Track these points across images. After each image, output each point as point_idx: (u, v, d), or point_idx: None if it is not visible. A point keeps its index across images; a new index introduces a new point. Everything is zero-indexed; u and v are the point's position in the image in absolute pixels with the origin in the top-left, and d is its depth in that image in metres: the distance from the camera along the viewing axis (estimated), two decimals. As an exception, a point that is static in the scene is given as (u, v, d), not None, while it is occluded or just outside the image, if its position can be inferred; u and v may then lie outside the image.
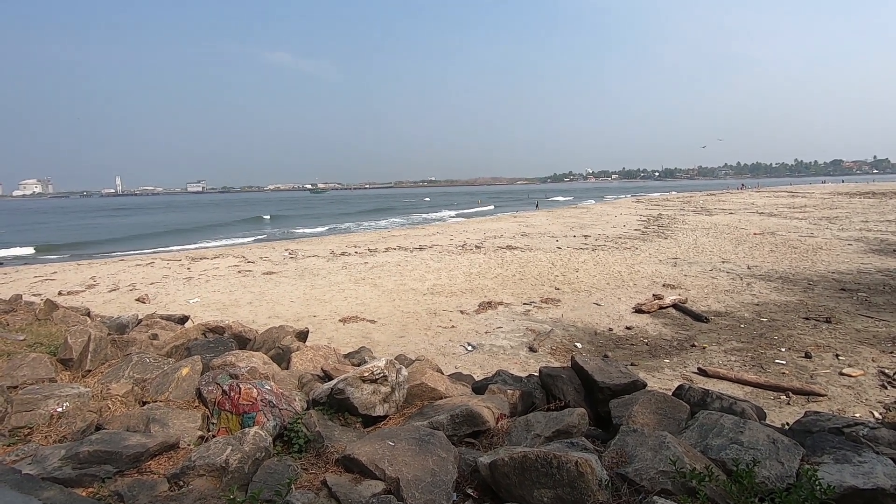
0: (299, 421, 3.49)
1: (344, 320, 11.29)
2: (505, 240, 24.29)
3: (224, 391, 3.70)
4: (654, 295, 12.64)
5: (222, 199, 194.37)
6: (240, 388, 3.66)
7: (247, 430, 3.21)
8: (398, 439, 3.05)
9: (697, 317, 11.04)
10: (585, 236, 25.21)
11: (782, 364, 8.42)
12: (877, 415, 6.50)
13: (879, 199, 48.49)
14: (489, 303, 12.52)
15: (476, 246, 22.14)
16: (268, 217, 59.09)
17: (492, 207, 62.76)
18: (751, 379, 7.80)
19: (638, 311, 11.61)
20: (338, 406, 3.71)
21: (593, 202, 64.00)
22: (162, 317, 7.56)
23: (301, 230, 39.63)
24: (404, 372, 4.04)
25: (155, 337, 5.92)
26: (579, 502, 2.52)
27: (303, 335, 6.36)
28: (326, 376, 4.52)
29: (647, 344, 9.63)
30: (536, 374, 5.04)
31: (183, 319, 7.74)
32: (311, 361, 5.02)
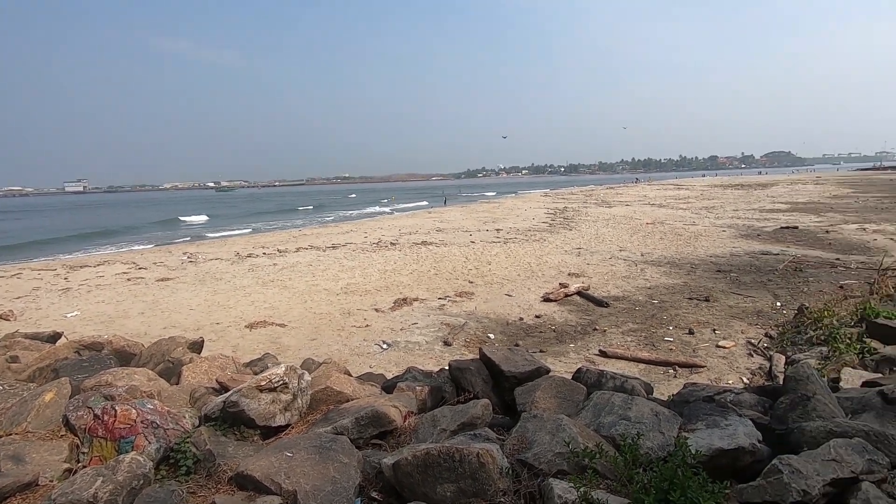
0: (187, 440, 3.19)
1: (251, 326, 10.64)
2: (420, 236, 24.36)
3: (96, 415, 3.28)
4: (560, 284, 13.34)
5: (109, 199, 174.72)
6: (115, 411, 3.27)
7: (122, 456, 2.86)
8: (297, 449, 2.90)
9: (599, 302, 11.83)
10: (497, 230, 26.01)
11: (670, 341, 9.27)
12: (745, 380, 7.38)
13: (746, 190, 55.28)
14: (404, 299, 12.47)
15: (391, 243, 21.97)
16: (170, 220, 52.52)
17: (426, 203, 62.49)
18: (644, 357, 8.51)
19: (546, 299, 12.19)
20: (232, 420, 3.44)
21: (508, 196, 66.39)
22: (27, 335, 6.59)
23: (207, 233, 36.38)
24: (307, 377, 3.85)
25: (14, 359, 5.13)
26: (481, 493, 2.55)
27: (197, 346, 5.87)
28: (223, 388, 4.19)
29: (554, 331, 10.14)
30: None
31: (54, 337, 6.81)
32: (206, 374, 4.63)
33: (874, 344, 6.92)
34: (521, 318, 10.96)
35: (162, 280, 15.47)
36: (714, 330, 9.76)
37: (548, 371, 4.68)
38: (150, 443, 3.17)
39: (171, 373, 4.82)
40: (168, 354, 5.15)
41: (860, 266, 14.67)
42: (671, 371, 7.96)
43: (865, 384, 4.89)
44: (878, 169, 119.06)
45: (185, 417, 3.57)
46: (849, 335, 7.51)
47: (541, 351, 9.03)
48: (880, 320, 7.46)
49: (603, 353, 8.77)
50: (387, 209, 57.48)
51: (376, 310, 11.69)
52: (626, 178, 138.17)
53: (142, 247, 28.11)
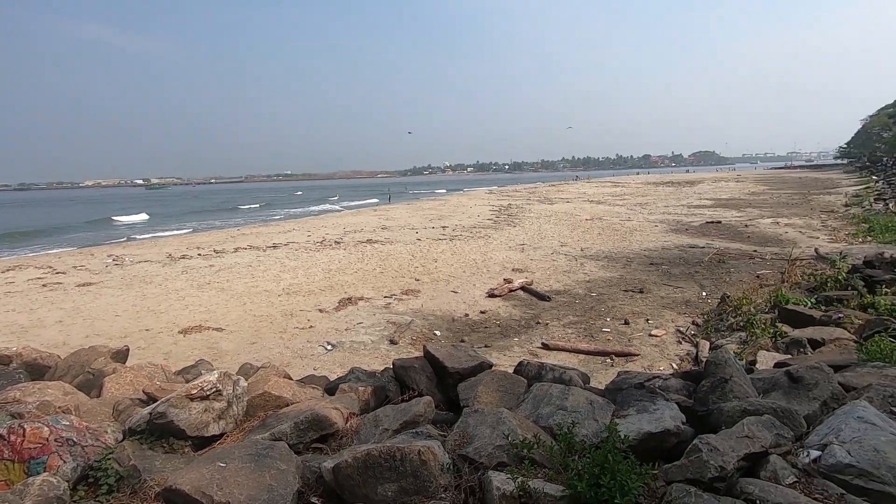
0: (109, 456, 2.98)
1: (184, 332, 10.08)
2: (365, 234, 24.04)
3: (1, 436, 2.99)
4: (504, 279, 13.61)
5: (23, 198, 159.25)
6: (24, 430, 2.99)
7: (32, 479, 2.63)
8: (232, 458, 2.78)
9: (541, 297, 12.18)
10: (444, 227, 26.14)
11: (608, 332, 9.71)
12: (674, 366, 7.85)
13: (676, 187, 58.77)
14: (349, 299, 12.27)
15: (336, 241, 21.54)
16: (101, 220, 46.83)
17: (376, 201, 61.31)
18: (584, 348, 8.86)
19: (491, 295, 12.40)
20: (160, 432, 3.25)
21: (455, 193, 66.80)
22: (-82, 351, 5.89)
23: (137, 234, 33.74)
24: (243, 383, 3.70)
25: None
26: (423, 490, 2.56)
27: (122, 355, 5.48)
28: (150, 399, 3.94)
29: (499, 325, 10.34)
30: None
31: (-48, 351, 6.13)
32: (132, 384, 4.34)
33: (785, 328, 7.58)
34: (467, 315, 11.09)
35: (83, 285, 14.33)
36: (647, 320, 10.32)
37: (490, 366, 4.76)
38: (65, 462, 2.92)
39: (92, 385, 4.48)
40: (88, 365, 4.77)
41: (774, 257, 15.99)
42: (608, 360, 8.34)
43: (777, 365, 5.34)
44: (788, 168, 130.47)
45: (106, 432, 3.32)
46: (764, 321, 8.18)
47: (486, 346, 9.18)
48: (790, 306, 8.18)
49: (545, 346, 9.05)
50: (337, 206, 56.24)
51: (320, 310, 11.42)
52: (567, 175, 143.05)
53: (60, 249, 25.86)
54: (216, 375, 3.50)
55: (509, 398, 3.87)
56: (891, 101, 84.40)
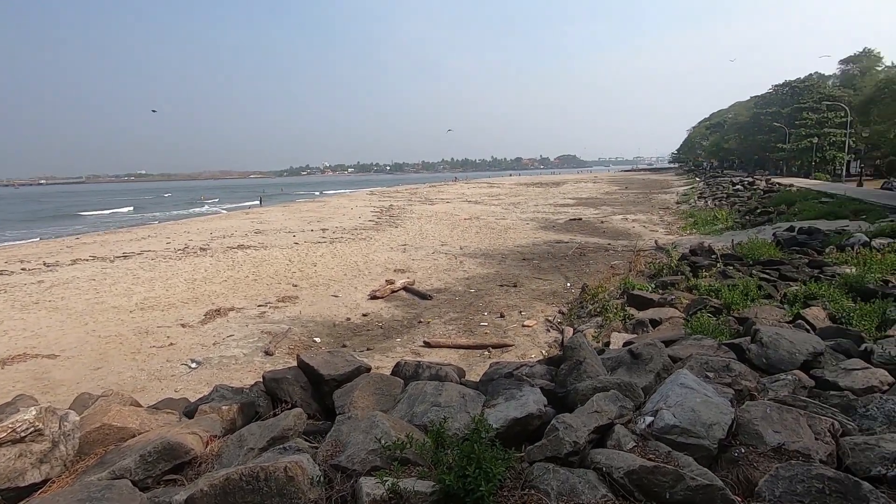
0: None
1: (3, 362, 8.41)
2: (236, 239, 22.29)
3: None
4: (386, 280, 13.58)
5: None
6: None
7: None
8: (55, 508, 2.36)
9: (423, 296, 12.38)
10: (323, 230, 25.30)
11: (485, 326, 10.19)
12: (543, 353, 8.49)
13: (544, 188, 63.86)
14: (218, 310, 11.26)
15: (201, 248, 19.64)
16: None
17: (257, 203, 56.32)
18: (463, 343, 9.19)
19: (373, 297, 12.29)
20: (-45, 490, 2.64)
21: (335, 194, 64.89)
22: None
23: None
24: (73, 417, 3.17)
25: None
26: (291, 508, 2.42)
27: None
28: (-57, 450, 3.18)
29: (381, 327, 10.28)
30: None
31: None
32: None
33: (632, 311, 8.63)
34: (349, 318, 10.86)
35: None
36: (521, 312, 11.04)
37: (368, 369, 4.69)
38: None
39: None
40: None
41: (624, 249, 18.16)
42: (486, 353, 8.75)
43: (625, 344, 6.06)
44: (634, 170, 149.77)
45: None
46: (616, 306, 9.23)
47: (368, 349, 9.06)
48: (635, 292, 9.33)
49: (427, 344, 9.20)
50: (205, 209, 51.19)
51: (183, 325, 10.32)
52: (447, 176, 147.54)
53: None
54: (34, 412, 2.95)
55: (386, 400, 3.85)
56: (707, 115, 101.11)
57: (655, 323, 7.57)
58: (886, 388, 3.86)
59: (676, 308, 8.14)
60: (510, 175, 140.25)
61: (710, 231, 21.11)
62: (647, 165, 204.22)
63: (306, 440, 3.23)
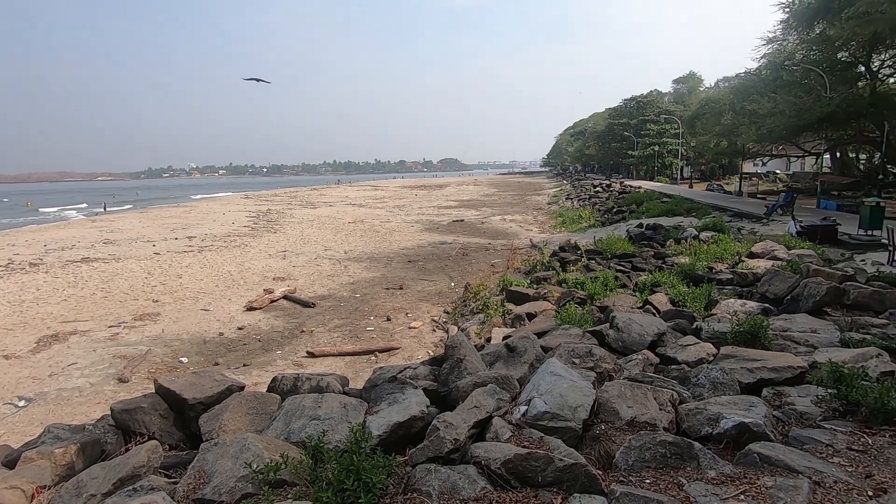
0: None
1: None
2: (79, 251, 19.26)
3: None
4: (265, 290, 12.74)
5: None
6: None
7: None
8: None
9: (305, 304, 11.82)
10: (190, 237, 22.97)
11: (372, 330, 10.05)
12: (430, 353, 8.61)
13: (428, 191, 65.12)
14: (55, 335, 9.62)
15: (31, 263, 16.62)
16: None
17: (129, 207, 48.08)
18: (349, 349, 8.95)
19: (250, 308, 11.44)
20: None
21: (203, 199, 59.21)
22: None
23: None
24: None
25: None
26: (143, 557, 2.11)
27: None
28: None
29: (259, 340, 9.60)
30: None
31: None
32: None
33: (511, 306, 9.14)
34: (222, 333, 9.97)
35: None
36: (407, 314, 11.08)
37: (242, 388, 4.33)
38: None
39: None
40: None
41: (503, 247, 19.20)
42: (373, 358, 8.62)
43: (504, 338, 6.38)
44: (511, 174, 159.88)
45: None
46: (496, 302, 9.71)
47: (245, 365, 8.40)
48: (513, 288, 9.90)
49: (311, 354, 8.80)
50: (103, 210, 43.17)
51: (6, 356, 8.62)
52: (330, 179, 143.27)
53: None
54: None
55: (261, 420, 3.58)
56: (571, 124, 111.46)
57: (531, 316, 8.10)
58: (712, 358, 4.55)
59: (549, 301, 8.80)
60: (394, 178, 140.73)
61: (576, 229, 23.24)
62: (521, 169, 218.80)
63: (165, 475, 2.87)
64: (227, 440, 2.89)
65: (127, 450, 3.59)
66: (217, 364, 8.42)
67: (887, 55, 21.94)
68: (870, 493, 2.37)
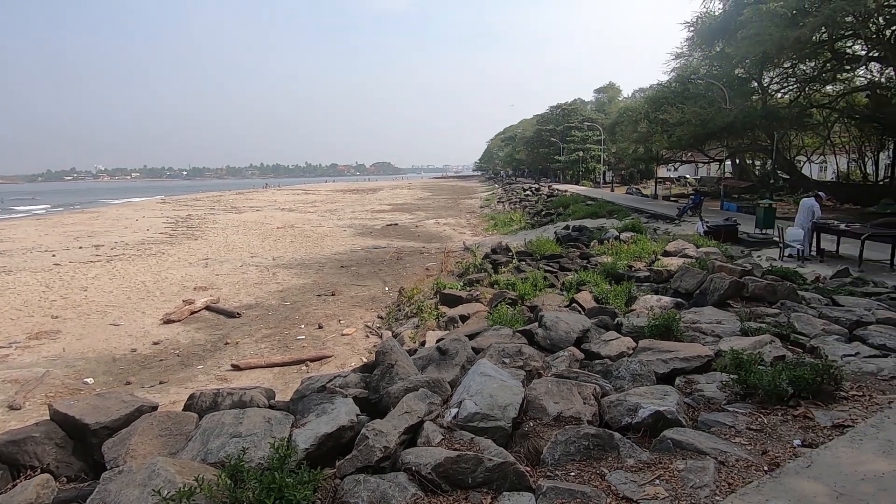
0: None
1: None
2: (-40, 264, 17.00)
3: None
4: (184, 301, 11.91)
5: None
6: None
7: None
8: None
9: (229, 314, 11.18)
10: (97, 246, 21.02)
11: (303, 339, 9.68)
12: (364, 360, 8.44)
13: (361, 194, 64.21)
14: (-73, 361, 8.38)
15: None
16: None
17: (23, 214, 42.21)
18: (278, 360, 8.56)
19: (168, 321, 10.63)
20: None
21: (112, 204, 54.32)
22: None
23: None
24: None
25: None
26: None
27: None
28: None
29: (178, 355, 8.94)
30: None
31: None
32: None
33: (444, 309, 9.18)
34: (135, 349, 9.18)
35: None
36: (340, 320, 10.79)
37: (154, 408, 3.99)
38: None
39: None
40: None
41: (437, 251, 19.29)
42: (304, 367, 8.31)
43: (438, 341, 6.38)
44: (444, 177, 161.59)
45: None
46: (430, 306, 9.71)
47: (161, 382, 7.78)
48: (446, 290, 9.96)
49: (236, 367, 8.32)
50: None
51: None
52: (257, 183, 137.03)
53: None
54: None
55: (176, 441, 3.31)
56: (501, 130, 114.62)
57: (465, 318, 8.18)
58: (632, 352, 4.82)
59: (482, 302, 8.93)
60: (326, 181, 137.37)
61: (507, 231, 23.86)
62: (454, 173, 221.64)
63: (58, 513, 2.56)
64: (135, 466, 2.64)
65: (14, 486, 3.19)
66: (129, 383, 7.74)
67: (775, 73, 24.60)
68: (765, 469, 2.61)
